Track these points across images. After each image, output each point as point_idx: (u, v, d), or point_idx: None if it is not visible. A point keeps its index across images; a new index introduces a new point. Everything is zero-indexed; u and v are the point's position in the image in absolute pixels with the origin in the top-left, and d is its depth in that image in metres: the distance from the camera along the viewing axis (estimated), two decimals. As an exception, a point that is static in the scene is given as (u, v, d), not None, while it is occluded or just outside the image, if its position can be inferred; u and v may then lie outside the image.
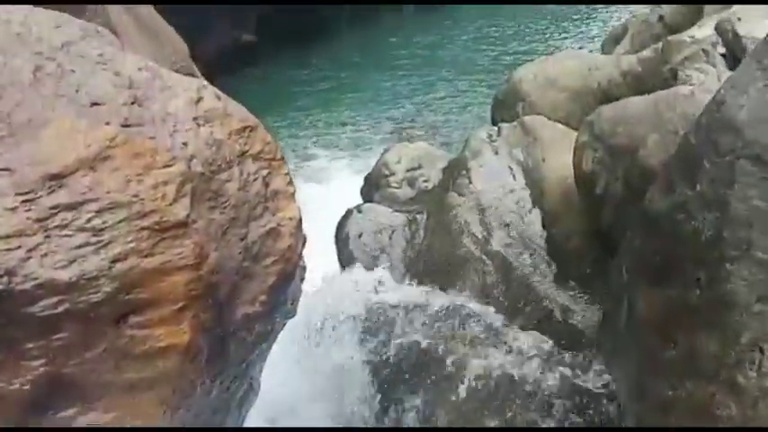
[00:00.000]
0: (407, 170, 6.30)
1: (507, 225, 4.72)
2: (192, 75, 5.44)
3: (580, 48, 20.08)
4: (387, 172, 6.30)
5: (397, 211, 5.79)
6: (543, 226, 4.75)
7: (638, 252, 2.50)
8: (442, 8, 26.22)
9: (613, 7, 24.56)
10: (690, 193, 2.16)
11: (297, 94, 17.73)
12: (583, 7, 26.71)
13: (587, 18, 24.95)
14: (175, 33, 5.70)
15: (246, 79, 18.01)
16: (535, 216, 4.79)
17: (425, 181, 6.16)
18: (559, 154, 5.33)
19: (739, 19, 7.98)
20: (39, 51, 2.58)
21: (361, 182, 6.80)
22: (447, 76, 19.21)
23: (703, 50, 7.83)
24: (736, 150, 2.05)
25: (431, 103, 16.35)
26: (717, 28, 8.13)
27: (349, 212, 5.82)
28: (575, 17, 25.24)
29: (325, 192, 8.63)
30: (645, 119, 3.42)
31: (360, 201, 6.44)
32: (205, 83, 3.18)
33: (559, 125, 5.99)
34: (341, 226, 5.75)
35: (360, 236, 5.50)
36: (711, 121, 2.17)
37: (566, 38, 21.95)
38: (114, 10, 4.73)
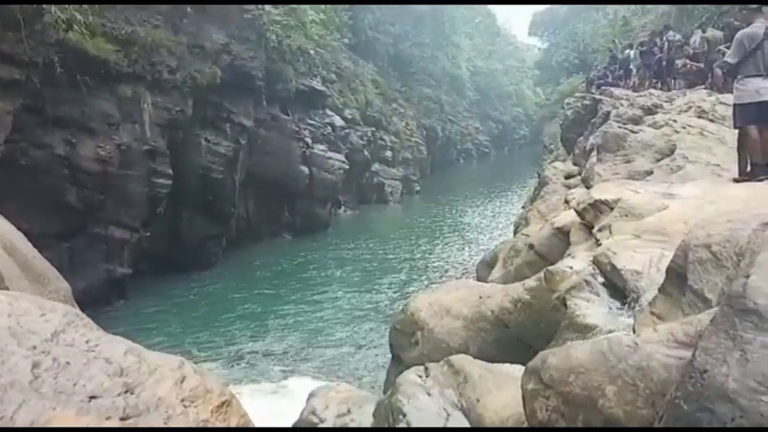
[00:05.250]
0: (337, 416, 6.17)
1: (459, 475, 4.65)
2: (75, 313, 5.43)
3: (454, 272, 21.26)
4: (316, 420, 6.13)
5: (332, 462, 5.58)
6: (491, 472, 4.73)
7: None
8: (317, 233, 27.35)
9: (487, 236, 26.70)
10: (697, 462, 2.31)
11: (175, 326, 17.13)
12: (456, 233, 28.73)
13: (456, 241, 26.80)
14: (56, 273, 5.68)
15: (119, 312, 17.40)
16: (483, 462, 4.77)
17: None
18: (492, 393, 5.47)
19: (615, 253, 8.91)
20: (33, 346, 2.50)
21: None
22: (332, 296, 19.42)
23: (585, 281, 8.60)
24: (735, 419, 2.25)
25: (323, 331, 16.26)
26: (594, 261, 9.01)
27: (284, 469, 5.53)
28: (445, 240, 27.05)
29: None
30: (595, 368, 3.63)
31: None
32: (183, 359, 3.14)
33: (485, 363, 6.19)
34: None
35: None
36: (701, 390, 2.38)
37: (441, 262, 23.27)
38: (1, 254, 4.78)
